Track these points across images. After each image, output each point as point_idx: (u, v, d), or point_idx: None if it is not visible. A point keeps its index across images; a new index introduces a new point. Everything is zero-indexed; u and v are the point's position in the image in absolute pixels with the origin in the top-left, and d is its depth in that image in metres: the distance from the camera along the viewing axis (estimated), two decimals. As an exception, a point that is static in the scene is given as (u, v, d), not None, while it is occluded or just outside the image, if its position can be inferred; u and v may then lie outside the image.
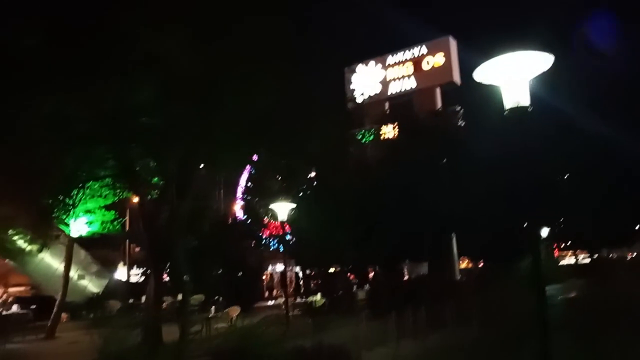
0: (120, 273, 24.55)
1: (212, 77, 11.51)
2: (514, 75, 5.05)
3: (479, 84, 5.39)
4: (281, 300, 23.36)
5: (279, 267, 32.67)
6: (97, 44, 10.47)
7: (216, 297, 20.16)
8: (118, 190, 16.35)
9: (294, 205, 21.55)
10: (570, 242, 37.55)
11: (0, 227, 15.25)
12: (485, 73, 5.13)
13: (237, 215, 33.58)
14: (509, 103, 5.12)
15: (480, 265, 32.64)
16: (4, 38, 10.62)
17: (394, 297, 18.91)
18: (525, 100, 5.09)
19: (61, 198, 14.65)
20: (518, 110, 5.06)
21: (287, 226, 25.60)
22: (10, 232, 15.35)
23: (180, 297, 18.21)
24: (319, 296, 22.22)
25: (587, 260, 38.97)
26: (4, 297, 16.28)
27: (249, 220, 29.31)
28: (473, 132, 22.96)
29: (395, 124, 28.93)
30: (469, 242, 26.00)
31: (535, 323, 4.94)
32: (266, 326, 14.22)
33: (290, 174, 25.04)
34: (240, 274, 23.61)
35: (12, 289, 16.92)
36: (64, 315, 16.24)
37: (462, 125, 25.83)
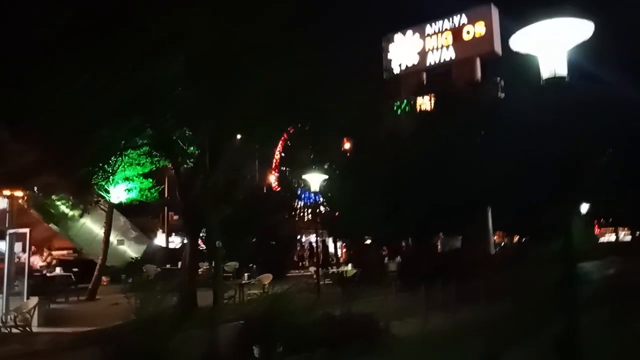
0: (159, 240, 25.27)
1: (239, 49, 11.56)
2: (551, 43, 4.86)
3: (518, 53, 5.22)
4: (313, 270, 23.68)
5: (312, 237, 33.01)
6: (128, 22, 10.68)
7: (250, 265, 20.58)
8: (155, 159, 16.75)
9: (326, 177, 21.60)
10: (611, 219, 36.55)
11: (44, 193, 15.88)
12: (522, 41, 4.95)
13: (272, 185, 33.93)
14: (546, 73, 4.95)
15: (515, 240, 32.20)
16: (41, 18, 10.93)
17: (425, 269, 18.90)
18: (562, 70, 4.91)
19: (100, 166, 15.12)
20: (555, 81, 4.89)
21: (320, 197, 25.79)
22: (53, 198, 15.96)
23: (217, 263, 18.68)
24: (350, 267, 22.42)
25: (629, 238, 37.90)
26: (49, 259, 17.04)
27: (283, 191, 29.63)
28: (512, 103, 22.37)
29: (433, 95, 28.47)
30: (505, 217, 25.64)
31: (566, 300, 4.87)
32: (297, 294, 14.47)
33: (324, 145, 25.05)
34: (273, 243, 23.98)
35: (56, 252, 17.68)
36: (104, 279, 16.91)
37: (502, 97, 25.21)
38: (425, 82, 36.08)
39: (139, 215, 22.45)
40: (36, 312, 11.71)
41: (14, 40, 11.79)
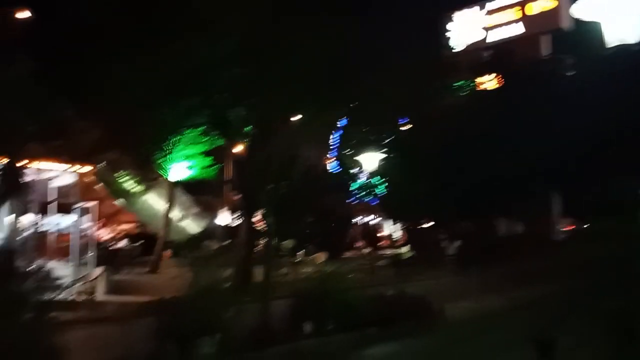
0: (219, 217, 26.01)
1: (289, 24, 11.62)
2: (620, 8, 4.55)
3: (582, 22, 4.93)
4: (368, 250, 23.69)
5: (368, 218, 32.94)
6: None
7: (305, 244, 20.82)
8: (212, 138, 17.21)
9: (382, 156, 21.41)
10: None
11: (109, 169, 16.66)
12: (588, 8, 4.67)
13: (328, 165, 34.01)
14: (614, 40, 4.64)
15: (585, 226, 30.77)
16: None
17: (483, 252, 18.51)
18: (632, 37, 4.59)
19: (159, 144, 15.71)
20: (624, 48, 4.59)
21: (375, 177, 25.65)
22: (118, 174, 16.73)
23: (271, 241, 19.00)
24: (405, 248, 22.28)
25: None
26: (115, 233, 17.93)
27: (340, 171, 29.63)
28: (579, 78, 21.28)
29: (494, 72, 27.53)
30: (573, 199, 24.70)
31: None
32: (350, 273, 14.59)
33: (380, 125, 24.77)
34: (329, 222, 24.14)
35: (121, 226, 18.60)
36: (166, 252, 17.62)
37: (569, 74, 24.03)
38: (487, 60, 34.88)
39: (200, 192, 23.15)
40: (102, 282, 12.42)
41: (75, 20, 12.34)
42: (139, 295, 11.99)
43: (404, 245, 24.34)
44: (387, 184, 25.82)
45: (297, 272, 15.37)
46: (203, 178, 18.85)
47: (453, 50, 35.27)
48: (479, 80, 28.69)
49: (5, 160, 13.10)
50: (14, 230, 13.32)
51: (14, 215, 13.41)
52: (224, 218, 24.97)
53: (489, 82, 28.53)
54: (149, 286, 13.25)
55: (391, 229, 32.04)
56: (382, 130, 24.60)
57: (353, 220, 30.04)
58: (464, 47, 37.41)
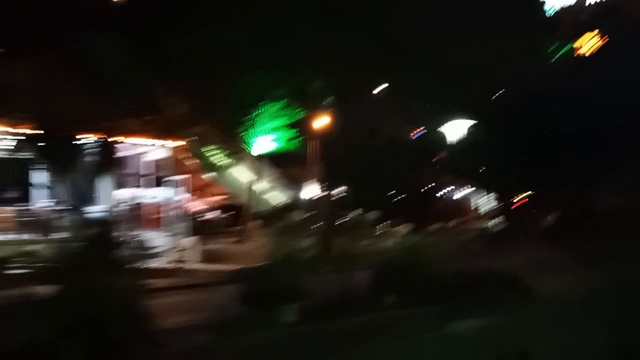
0: (304, 188, 26.42)
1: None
2: None
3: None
4: (455, 222, 23.07)
5: (455, 189, 32.01)
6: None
7: (388, 215, 20.66)
8: (295, 110, 17.39)
9: (469, 123, 20.61)
10: None
11: (199, 144, 17.37)
12: None
13: (413, 135, 33.28)
14: None
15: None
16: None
17: (578, 224, 17.48)
18: None
19: (243, 117, 16.15)
20: None
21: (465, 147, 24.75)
22: (207, 147, 17.41)
23: (354, 212, 19.08)
24: (495, 220, 21.50)
25: None
26: (206, 204, 18.75)
27: (426, 140, 28.94)
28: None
29: (595, 34, 25.53)
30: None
31: None
32: (435, 246, 14.29)
33: (467, 92, 23.76)
34: (413, 194, 23.77)
35: (212, 198, 19.41)
36: (254, 223, 18.19)
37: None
38: (586, 21, 32.25)
39: (285, 165, 23.58)
40: (193, 251, 13.06)
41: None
42: (228, 263, 12.51)
43: (493, 217, 23.52)
44: (476, 153, 24.90)
45: (380, 244, 15.30)
46: (287, 150, 19.12)
47: (548, 13, 32.91)
48: (579, 42, 26.76)
49: (101, 137, 14.02)
50: (114, 202, 14.30)
51: (112, 189, 14.39)
52: (309, 190, 25.35)
53: (589, 43, 26.54)
54: (237, 255, 13.77)
55: (480, 201, 31.01)
56: (472, 96, 23.61)
57: (440, 192, 29.35)
58: (561, 8, 34.87)
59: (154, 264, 12.33)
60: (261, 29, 13.10)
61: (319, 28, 13.72)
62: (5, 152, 13.18)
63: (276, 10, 12.67)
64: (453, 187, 30.10)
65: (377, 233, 16.53)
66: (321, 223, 15.82)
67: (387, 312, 10.21)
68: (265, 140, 18.05)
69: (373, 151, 20.17)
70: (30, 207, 13.37)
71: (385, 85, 17.42)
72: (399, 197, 22.60)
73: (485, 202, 28.79)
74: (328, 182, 16.73)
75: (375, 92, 17.87)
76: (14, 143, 13.20)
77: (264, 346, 8.37)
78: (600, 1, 33.88)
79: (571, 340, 7.84)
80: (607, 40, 24.32)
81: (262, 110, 17.15)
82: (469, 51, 16.33)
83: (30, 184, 14.13)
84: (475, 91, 24.03)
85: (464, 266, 12.23)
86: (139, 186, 15.42)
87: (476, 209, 29.81)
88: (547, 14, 31.24)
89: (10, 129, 13.24)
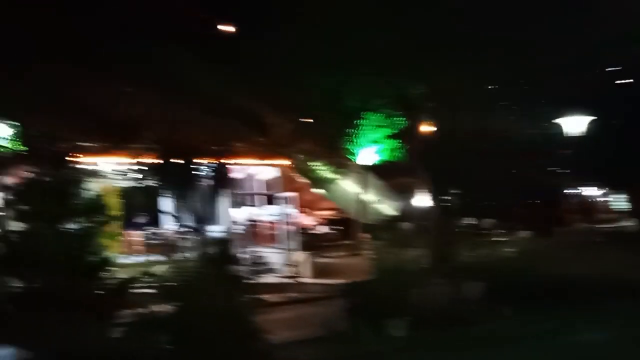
0: (412, 198, 25.98)
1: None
2: None
3: None
4: (582, 225, 21.35)
5: (581, 189, 29.75)
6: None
7: (505, 221, 19.65)
8: (395, 120, 17.23)
9: (590, 119, 19.12)
10: None
11: (304, 160, 17.80)
12: None
13: (529, 133, 31.28)
14: None
15: None
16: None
17: None
18: None
19: (345, 130, 16.30)
20: None
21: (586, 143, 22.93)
22: (313, 163, 17.75)
23: (467, 220, 18.40)
24: (630, 221, 19.63)
25: None
26: (316, 219, 19.09)
27: (541, 139, 27.20)
28: None
29: None
30: None
31: None
32: (559, 252, 13.31)
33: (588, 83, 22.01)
34: (531, 197, 22.42)
35: (321, 212, 19.73)
36: (363, 236, 18.19)
37: None
38: None
39: (394, 176, 23.36)
40: (306, 265, 13.33)
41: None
42: (339, 277, 12.60)
43: (629, 218, 21.49)
44: (602, 149, 22.95)
45: (496, 252, 14.58)
46: (393, 160, 18.93)
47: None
48: None
49: (216, 160, 14.87)
50: (230, 221, 15.06)
51: (228, 209, 15.16)
52: (418, 199, 24.90)
53: None
54: (348, 269, 13.84)
55: (610, 200, 28.51)
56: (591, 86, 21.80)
57: (562, 193, 27.41)
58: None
59: (268, 279, 12.80)
60: (360, 38, 13.22)
61: (418, 27, 13.57)
62: (132, 181, 14.40)
63: (372, 16, 12.74)
64: (576, 187, 27.99)
65: (493, 240, 15.78)
66: (432, 233, 15.41)
67: (506, 322, 9.73)
68: (370, 152, 18.04)
69: (483, 154, 19.35)
70: (157, 231, 14.47)
71: (492, 82, 16.67)
72: (515, 201, 21.37)
73: (615, 202, 26.45)
74: (437, 190, 16.29)
75: (481, 90, 17.15)
76: (140, 172, 14.38)
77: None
78: None
79: None
80: None
81: (366, 121, 17.19)
82: (583, 40, 15.20)
83: (157, 209, 15.27)
84: (595, 82, 22.20)
85: (596, 273, 11.32)
86: (252, 205, 16.11)
87: (604, 210, 27.45)
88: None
89: (136, 159, 14.45)
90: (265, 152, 16.62)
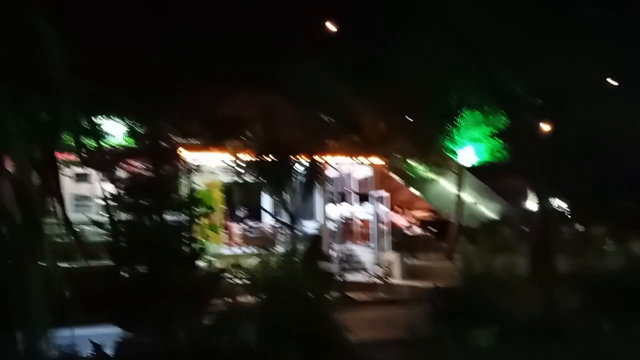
0: (515, 201, 24.67)
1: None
2: None
3: None
4: None
5: None
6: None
7: (618, 229, 18.08)
8: (498, 117, 16.56)
9: None
10: None
11: (401, 159, 17.61)
12: None
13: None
14: None
15: None
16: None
17: None
18: None
19: (444, 127, 15.94)
20: None
21: None
22: (409, 162, 17.53)
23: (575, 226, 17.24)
24: None
25: None
26: (410, 219, 18.83)
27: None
28: None
29: None
30: None
31: None
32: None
33: None
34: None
35: (416, 213, 19.42)
36: (460, 239, 17.66)
37: None
38: None
39: (495, 177, 22.38)
40: (396, 266, 13.23)
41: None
42: (429, 280, 12.34)
43: None
44: None
45: (605, 261, 13.49)
46: (496, 161, 18.18)
47: None
48: None
49: (313, 158, 15.16)
50: (325, 218, 15.33)
51: (323, 206, 15.44)
52: (522, 203, 23.64)
53: None
54: (439, 272, 13.51)
55: None
56: None
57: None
58: None
59: (357, 277, 12.86)
60: (456, 31, 12.93)
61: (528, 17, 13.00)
62: (235, 176, 15.13)
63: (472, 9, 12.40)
64: None
65: (602, 247, 14.61)
66: (534, 238, 14.61)
67: (607, 337, 9.03)
68: (470, 151, 17.45)
69: (596, 155, 18.01)
70: (256, 225, 15.11)
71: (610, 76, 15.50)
72: (631, 207, 19.58)
73: None
74: (543, 194, 15.41)
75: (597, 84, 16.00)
76: (241, 168, 15.07)
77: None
78: None
79: None
80: None
81: (466, 118, 16.69)
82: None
83: (257, 204, 15.90)
84: None
85: None
86: (347, 203, 16.28)
87: None
88: None
89: (239, 156, 15.15)
90: (361, 150, 16.69)
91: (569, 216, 19.11)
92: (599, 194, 18.30)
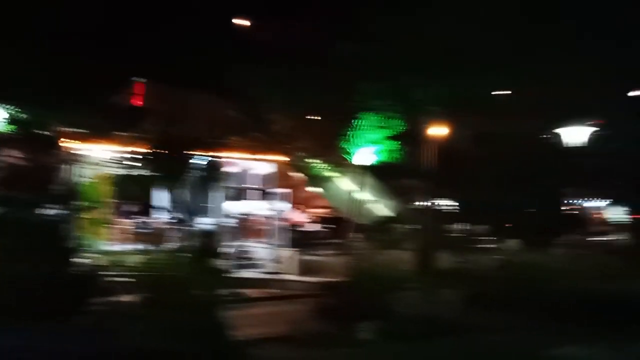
0: (409, 201, 25.80)
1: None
2: None
3: None
4: (580, 237, 21.08)
5: (582, 201, 29.42)
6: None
7: (501, 229, 19.46)
8: (398, 121, 17.15)
9: (591, 129, 18.94)
10: None
11: (302, 158, 17.76)
12: None
13: (548, 140, 30.78)
14: None
15: None
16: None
17: None
18: None
19: (344, 130, 16.32)
20: None
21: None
22: (309, 161, 17.72)
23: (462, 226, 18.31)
24: (621, 236, 19.41)
25: None
26: (307, 216, 19.03)
27: (542, 149, 26.94)
28: None
29: None
30: None
31: None
32: (551, 263, 13.12)
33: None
34: (529, 206, 22.17)
35: (314, 210, 19.67)
36: (355, 236, 18.11)
37: None
38: None
39: (392, 178, 23.22)
40: (292, 262, 13.31)
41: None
42: (324, 276, 12.56)
43: (625, 231, 21.25)
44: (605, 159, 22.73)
45: (486, 260, 14.46)
46: (392, 162, 18.85)
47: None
48: None
49: (211, 154, 14.87)
50: (221, 215, 15.07)
51: (221, 202, 15.17)
52: (414, 202, 24.76)
53: None
54: (333, 267, 13.79)
55: (612, 213, 28.14)
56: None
57: (563, 204, 27.10)
58: None
59: (251, 274, 12.81)
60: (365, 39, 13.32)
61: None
62: (125, 169, 14.43)
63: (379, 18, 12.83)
64: (578, 198, 27.68)
65: (485, 247, 15.65)
66: (423, 237, 15.34)
67: (483, 334, 9.61)
68: (368, 152, 17.94)
69: (483, 161, 19.25)
70: (147, 220, 14.50)
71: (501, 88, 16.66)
72: (515, 210, 21.18)
73: (617, 214, 26.12)
74: (435, 194, 16.25)
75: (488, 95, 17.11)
76: (133, 161, 14.41)
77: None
78: None
79: None
80: None
81: (365, 121, 17.12)
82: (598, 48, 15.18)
83: (149, 199, 15.28)
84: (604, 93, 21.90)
85: (586, 286, 11.17)
86: (245, 200, 16.11)
87: (605, 222, 27.10)
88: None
89: (132, 148, 14.48)
90: (262, 147, 16.64)
91: (458, 216, 20.24)
92: (486, 197, 19.56)
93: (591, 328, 9.32)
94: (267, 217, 15.80)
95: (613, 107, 20.96)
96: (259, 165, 16.56)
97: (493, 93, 19.04)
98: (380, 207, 20.45)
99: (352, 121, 17.08)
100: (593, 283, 11.25)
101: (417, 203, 22.04)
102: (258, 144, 16.54)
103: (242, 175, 16.26)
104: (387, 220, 18.93)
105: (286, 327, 8.77)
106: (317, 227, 17.98)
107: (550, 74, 16.59)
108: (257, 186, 16.55)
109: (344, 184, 19.01)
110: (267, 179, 16.75)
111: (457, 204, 20.30)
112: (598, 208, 27.09)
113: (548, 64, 16.48)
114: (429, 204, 18.56)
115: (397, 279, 11.05)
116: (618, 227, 23.35)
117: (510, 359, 8.56)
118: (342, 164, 18.43)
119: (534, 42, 15.15)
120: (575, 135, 19.31)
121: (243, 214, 15.54)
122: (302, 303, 10.37)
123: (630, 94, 22.23)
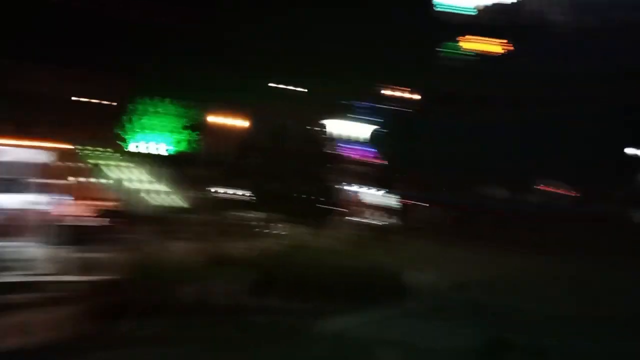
0: (194, 190, 25.56)
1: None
2: None
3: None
4: (349, 220, 23.15)
5: (357, 188, 32.30)
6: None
7: (277, 214, 20.32)
8: (187, 111, 16.92)
9: (374, 127, 20.91)
10: None
11: (83, 146, 16.35)
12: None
13: (317, 134, 33.04)
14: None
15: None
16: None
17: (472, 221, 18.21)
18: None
19: (128, 119, 15.60)
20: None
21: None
22: (90, 151, 16.42)
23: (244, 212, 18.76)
24: (388, 220, 21.94)
25: None
26: (86, 210, 17.54)
27: (327, 140, 29.02)
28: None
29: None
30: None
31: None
32: (323, 244, 14.18)
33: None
34: (305, 192, 23.57)
35: (95, 203, 18.19)
36: (136, 228, 17.25)
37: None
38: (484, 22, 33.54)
39: (183, 166, 22.73)
40: (66, 261, 12.08)
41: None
42: (102, 274, 11.65)
43: (393, 214, 23.99)
44: (381, 153, 25.54)
45: (264, 244, 15.06)
46: (178, 151, 18.48)
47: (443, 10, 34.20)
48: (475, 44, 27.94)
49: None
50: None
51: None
52: (200, 191, 24.66)
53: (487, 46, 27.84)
54: (116, 264, 12.89)
55: (377, 198, 31.41)
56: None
57: (334, 188, 29.36)
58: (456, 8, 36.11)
59: (14, 277, 11.26)
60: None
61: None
62: None
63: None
64: (346, 184, 30.26)
65: (264, 232, 16.33)
66: (212, 226, 15.33)
67: (261, 313, 9.96)
68: (153, 142, 17.29)
69: (264, 151, 20.07)
70: None
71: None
72: (290, 195, 22.42)
73: (380, 199, 29.25)
74: (220, 183, 16.35)
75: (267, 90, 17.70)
76: None
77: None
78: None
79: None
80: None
81: (152, 108, 16.46)
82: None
83: None
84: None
85: (351, 264, 12.27)
86: (7, 192, 14.12)
87: (373, 205, 30.23)
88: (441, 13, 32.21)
89: None
90: (33, 133, 14.84)
91: (250, 204, 20.59)
92: (278, 187, 20.37)
93: (349, 302, 10.33)
94: (35, 212, 14.06)
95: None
96: (28, 153, 14.67)
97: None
98: (170, 197, 19.82)
99: (137, 108, 16.29)
100: (348, 260, 12.46)
101: (208, 193, 21.97)
102: (30, 129, 14.72)
103: (10, 165, 14.21)
104: (176, 210, 18.45)
105: (49, 334, 7.94)
106: (97, 221, 16.62)
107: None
108: (25, 177, 14.63)
109: (130, 174, 17.96)
110: (39, 169, 14.94)
111: (250, 193, 20.71)
112: (358, 193, 29.90)
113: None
114: (221, 193, 18.63)
115: (181, 271, 10.84)
116: (385, 210, 26.23)
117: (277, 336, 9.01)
118: (126, 152, 17.44)
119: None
120: (337, 127, 21.32)
121: (4, 208, 13.60)
122: (75, 305, 9.50)
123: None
